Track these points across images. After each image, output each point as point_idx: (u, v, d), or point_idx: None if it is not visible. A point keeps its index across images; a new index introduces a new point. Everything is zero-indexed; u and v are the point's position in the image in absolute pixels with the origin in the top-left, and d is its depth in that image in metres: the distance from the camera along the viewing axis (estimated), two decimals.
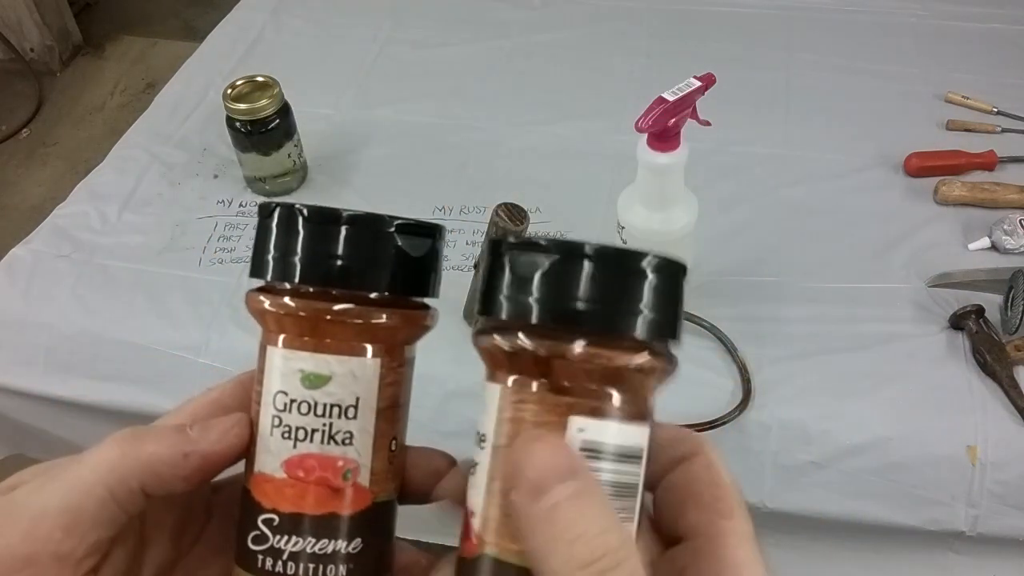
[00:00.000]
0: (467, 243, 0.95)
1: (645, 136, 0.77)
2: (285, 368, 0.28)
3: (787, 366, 0.83)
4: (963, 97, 1.12)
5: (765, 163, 1.05)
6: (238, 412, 0.29)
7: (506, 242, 0.25)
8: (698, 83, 0.76)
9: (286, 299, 0.28)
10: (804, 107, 1.13)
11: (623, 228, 0.83)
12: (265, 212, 0.29)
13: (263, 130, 0.98)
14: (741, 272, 0.92)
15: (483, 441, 0.25)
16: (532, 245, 0.25)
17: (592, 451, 0.24)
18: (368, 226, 0.28)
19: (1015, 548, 0.81)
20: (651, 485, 0.27)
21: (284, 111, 0.99)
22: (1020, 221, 0.93)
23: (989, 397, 0.80)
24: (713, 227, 0.92)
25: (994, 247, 0.93)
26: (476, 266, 0.84)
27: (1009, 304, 0.84)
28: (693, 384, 0.80)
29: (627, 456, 0.25)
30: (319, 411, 0.27)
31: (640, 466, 0.25)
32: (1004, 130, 1.08)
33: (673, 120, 0.75)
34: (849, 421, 0.80)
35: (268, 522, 0.27)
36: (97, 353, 0.89)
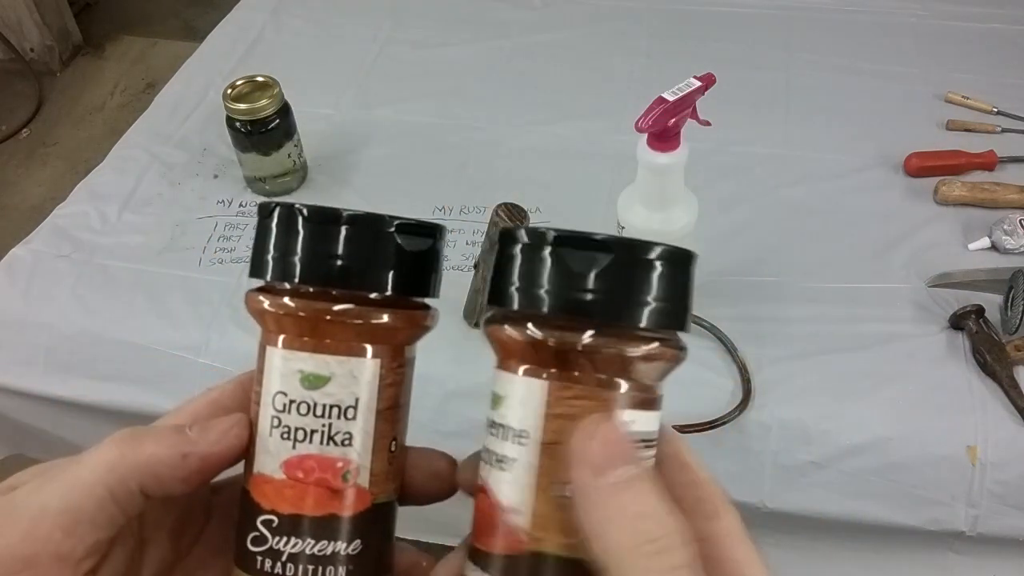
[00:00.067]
0: (467, 243, 0.95)
1: (645, 136, 0.77)
2: (284, 368, 0.28)
3: (787, 366, 0.83)
4: (963, 97, 1.12)
5: (765, 163, 1.05)
6: (237, 413, 0.29)
7: (557, 234, 0.25)
8: (698, 83, 0.76)
9: (286, 299, 0.28)
10: (804, 107, 1.13)
11: (623, 228, 0.83)
12: (265, 212, 0.28)
13: (263, 130, 0.98)
14: (741, 272, 0.92)
15: (522, 437, 0.25)
16: (581, 240, 0.25)
17: (642, 442, 0.26)
18: (368, 226, 0.27)
19: (1015, 548, 0.81)
20: None
21: (284, 111, 0.99)
22: (1020, 221, 0.93)
23: (989, 397, 0.80)
24: (713, 227, 0.92)
25: (994, 247, 0.93)
26: (476, 266, 0.84)
27: (1009, 304, 0.84)
28: (693, 384, 0.80)
29: (647, 443, 0.26)
30: (318, 412, 0.27)
31: (653, 452, 0.26)
32: (1004, 130, 1.08)
33: (673, 120, 0.75)
34: (849, 421, 0.80)
35: (267, 523, 0.27)
36: (97, 353, 0.89)
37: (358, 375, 0.28)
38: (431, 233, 0.29)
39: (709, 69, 0.77)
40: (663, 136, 0.76)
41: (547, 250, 0.25)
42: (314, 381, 0.27)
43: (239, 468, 0.29)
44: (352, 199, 1.03)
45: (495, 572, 0.25)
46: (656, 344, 0.25)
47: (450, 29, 1.30)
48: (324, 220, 0.27)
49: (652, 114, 0.74)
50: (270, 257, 0.28)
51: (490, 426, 0.26)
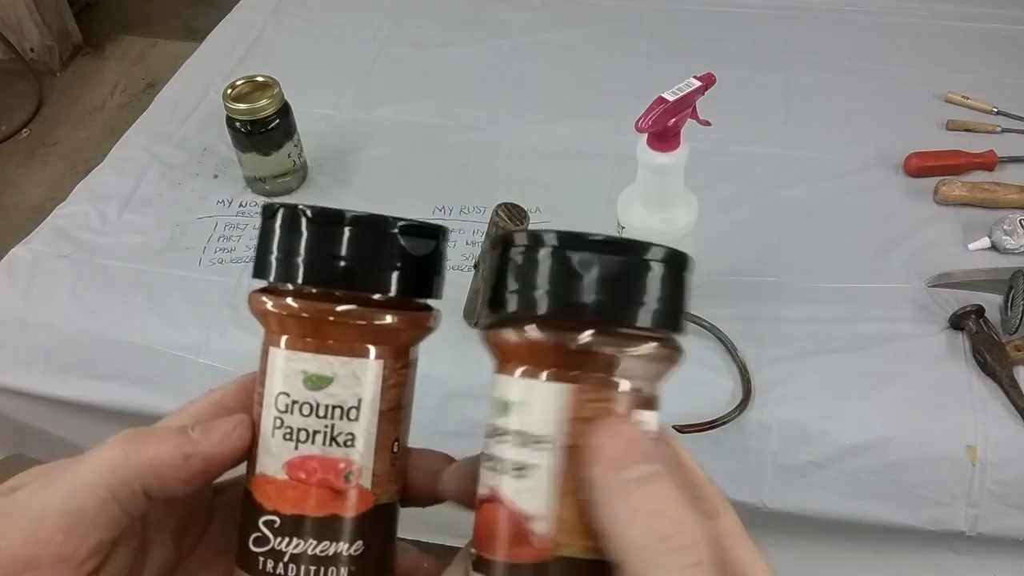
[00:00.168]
0: (467, 243, 0.95)
1: (645, 136, 0.77)
2: (287, 369, 0.28)
3: (787, 366, 0.83)
4: (963, 97, 1.12)
5: (765, 163, 1.05)
6: (240, 413, 0.29)
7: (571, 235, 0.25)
8: (698, 83, 0.76)
9: (289, 300, 0.28)
10: (804, 107, 1.13)
11: (623, 228, 0.83)
12: (268, 213, 0.28)
13: (263, 130, 0.98)
14: (741, 272, 0.92)
15: (542, 443, 0.25)
16: (588, 242, 0.25)
17: None
18: (372, 227, 0.27)
19: (1015, 548, 0.81)
20: None
21: (284, 111, 0.99)
22: (1020, 221, 0.93)
23: (989, 397, 0.80)
24: (713, 227, 0.92)
25: (994, 247, 0.93)
26: (476, 266, 0.84)
27: (1009, 304, 0.84)
28: (693, 384, 0.80)
29: None
30: (321, 412, 0.27)
31: None
32: (1004, 130, 1.08)
33: (673, 120, 0.75)
34: (849, 421, 0.80)
35: (269, 524, 0.27)
36: (97, 353, 0.89)
37: (361, 376, 0.28)
38: (434, 234, 0.29)
39: (709, 69, 0.77)
40: (663, 136, 0.76)
41: (558, 252, 0.25)
42: (317, 382, 0.27)
43: (241, 469, 0.29)
44: (352, 199, 1.03)
45: None
46: (655, 344, 0.25)
47: (450, 29, 1.30)
48: (328, 221, 0.27)
49: (652, 114, 0.74)
50: (273, 258, 0.28)
51: (499, 433, 0.26)
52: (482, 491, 0.26)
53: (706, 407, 0.79)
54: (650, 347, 0.25)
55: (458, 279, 0.87)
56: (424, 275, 0.29)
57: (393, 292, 0.28)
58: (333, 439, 0.27)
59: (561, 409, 0.25)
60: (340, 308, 0.27)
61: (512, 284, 0.26)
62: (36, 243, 0.99)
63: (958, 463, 0.78)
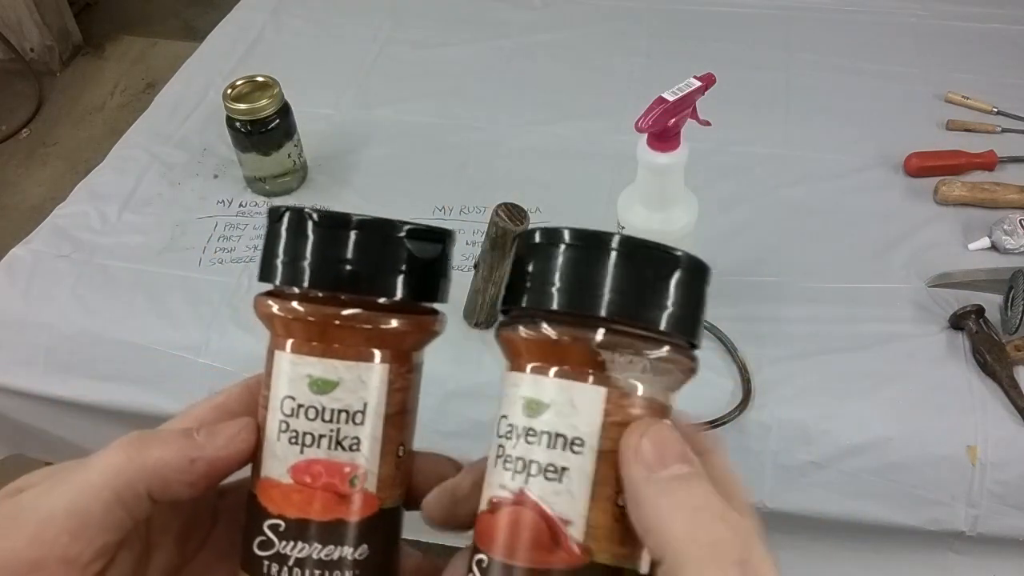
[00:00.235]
0: (467, 243, 0.95)
1: (645, 136, 0.77)
2: (293, 373, 0.27)
3: (787, 366, 0.83)
4: (963, 97, 1.12)
5: (765, 163, 1.05)
6: (245, 417, 0.28)
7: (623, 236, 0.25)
8: (698, 83, 0.76)
9: (295, 304, 0.27)
10: (804, 107, 1.13)
11: (623, 228, 0.83)
12: (275, 216, 0.28)
13: (263, 130, 0.98)
14: (741, 272, 0.92)
15: (576, 445, 0.24)
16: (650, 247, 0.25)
17: None
18: (378, 231, 0.27)
19: (1015, 548, 0.81)
20: None
21: (284, 111, 0.99)
22: (1020, 221, 0.93)
23: (989, 397, 0.80)
24: (713, 227, 0.92)
25: (994, 247, 0.93)
26: (476, 266, 0.84)
27: (1009, 304, 0.84)
28: (693, 384, 0.80)
29: None
30: (326, 416, 0.27)
31: None
32: (1004, 130, 1.08)
33: (673, 120, 0.75)
34: (849, 421, 0.80)
35: (274, 528, 0.27)
36: (97, 353, 0.89)
37: (366, 380, 0.27)
38: (441, 238, 0.29)
39: (709, 69, 0.77)
40: (663, 136, 0.76)
41: (603, 250, 0.25)
42: (322, 386, 0.27)
43: (245, 471, 0.29)
44: (352, 199, 1.03)
45: None
46: (668, 349, 0.25)
47: (450, 29, 1.30)
48: (334, 225, 0.27)
49: (652, 114, 0.74)
50: (279, 261, 0.28)
51: (527, 433, 0.25)
52: (499, 493, 0.25)
53: (706, 407, 0.79)
54: (666, 351, 0.25)
55: (458, 279, 0.86)
56: (430, 279, 0.29)
57: (399, 296, 0.28)
58: (338, 443, 0.27)
59: (602, 412, 0.25)
60: (346, 312, 0.27)
61: (559, 281, 0.25)
62: (36, 243, 0.99)
63: (958, 463, 0.78)
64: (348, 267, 0.27)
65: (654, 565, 0.23)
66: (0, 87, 2.26)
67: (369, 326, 0.27)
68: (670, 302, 0.25)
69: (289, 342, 0.28)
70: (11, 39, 2.23)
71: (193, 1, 2.48)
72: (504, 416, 0.26)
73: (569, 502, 0.24)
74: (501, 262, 0.80)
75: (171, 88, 1.22)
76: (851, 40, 1.24)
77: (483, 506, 0.26)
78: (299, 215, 0.28)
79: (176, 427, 0.28)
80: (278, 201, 1.03)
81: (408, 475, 0.30)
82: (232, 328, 0.88)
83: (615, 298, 0.24)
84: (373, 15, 1.33)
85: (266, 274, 0.28)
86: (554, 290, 0.25)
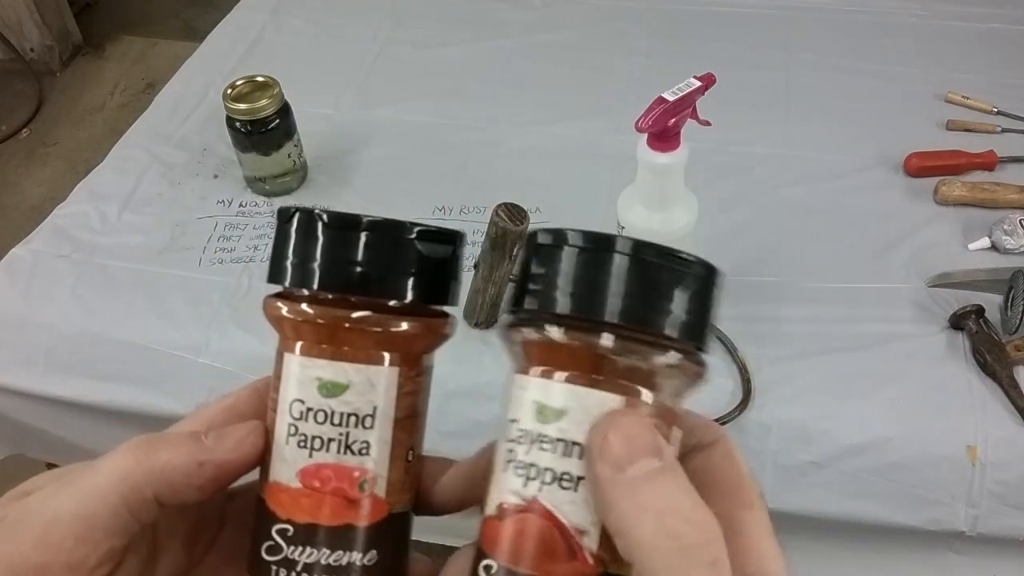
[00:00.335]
0: (467, 243, 0.95)
1: (645, 136, 0.77)
2: (302, 376, 0.27)
3: (787, 366, 0.83)
4: (963, 97, 1.12)
5: (765, 163, 1.05)
6: (253, 420, 0.28)
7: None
8: (698, 83, 0.76)
9: (304, 306, 0.27)
10: (804, 107, 1.13)
11: (623, 228, 0.83)
12: (284, 217, 0.28)
13: (263, 130, 0.98)
14: (741, 272, 0.92)
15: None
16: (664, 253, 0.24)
17: None
18: (388, 233, 0.27)
19: (1015, 548, 0.81)
20: None
21: (284, 111, 0.99)
22: (1020, 221, 0.93)
23: (989, 397, 0.80)
24: (713, 227, 0.92)
25: (994, 247, 0.93)
26: (476, 266, 0.84)
27: (1009, 304, 0.84)
28: None
29: None
30: (336, 420, 0.27)
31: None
32: (1004, 130, 1.08)
33: (673, 120, 0.75)
34: (849, 421, 0.80)
35: (282, 532, 0.27)
36: (97, 353, 0.89)
37: (376, 383, 0.27)
38: (451, 240, 0.28)
39: (709, 69, 0.77)
40: (663, 136, 0.76)
41: (614, 254, 0.24)
42: (332, 389, 0.27)
43: (253, 474, 0.29)
44: (352, 199, 1.03)
45: None
46: (678, 355, 0.25)
47: (450, 29, 1.30)
48: (344, 226, 0.27)
49: (652, 114, 0.74)
50: (288, 263, 0.27)
51: (538, 440, 0.24)
52: (510, 499, 0.25)
53: (706, 407, 0.79)
54: (675, 357, 0.25)
55: None
56: (440, 281, 0.28)
57: (409, 298, 0.27)
58: (348, 447, 0.27)
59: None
60: (356, 315, 0.27)
61: (569, 284, 0.25)
62: (36, 243, 0.99)
63: (958, 463, 0.78)
64: (358, 269, 0.27)
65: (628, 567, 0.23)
66: (0, 87, 2.26)
67: (379, 329, 0.27)
68: (681, 308, 0.24)
69: (298, 344, 0.27)
70: (11, 39, 2.23)
71: (193, 1, 2.48)
72: (514, 420, 0.25)
73: (584, 512, 0.24)
74: (501, 262, 0.80)
75: (171, 88, 1.22)
76: (851, 40, 1.24)
77: (490, 510, 0.25)
78: (309, 216, 0.27)
79: (184, 430, 0.28)
80: (278, 201, 1.03)
81: (417, 479, 0.29)
82: (232, 328, 0.88)
83: (626, 303, 0.24)
84: (373, 15, 1.33)
85: (275, 275, 0.28)
86: (564, 294, 0.25)
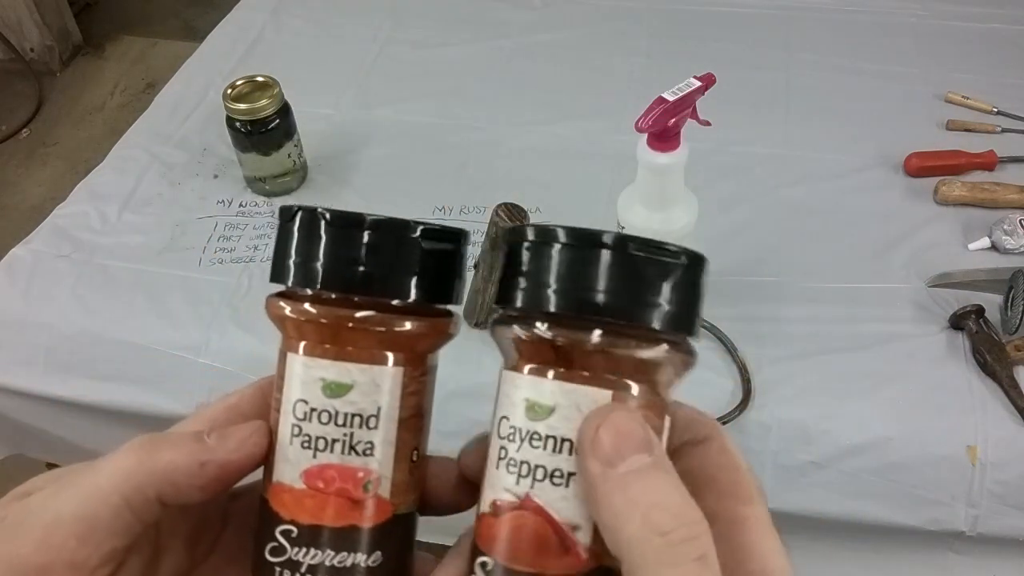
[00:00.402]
0: (467, 247, 0.95)
1: (645, 136, 0.77)
2: (306, 376, 0.27)
3: (787, 366, 0.83)
4: (963, 97, 1.12)
5: (765, 163, 1.05)
6: (257, 420, 0.28)
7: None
8: (698, 83, 0.76)
9: (307, 305, 0.27)
10: (804, 107, 1.13)
11: (623, 228, 0.83)
12: (287, 216, 0.28)
13: (263, 130, 0.98)
14: (741, 272, 0.92)
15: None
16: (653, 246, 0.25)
17: None
18: (392, 231, 0.27)
19: (1015, 548, 0.81)
20: None
21: (284, 111, 0.99)
22: (1020, 221, 0.93)
23: (989, 397, 0.80)
24: (713, 227, 0.92)
25: (994, 247, 0.93)
26: (476, 266, 0.84)
27: (1009, 304, 0.84)
28: (693, 384, 0.79)
29: None
30: (340, 420, 0.27)
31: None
32: (1004, 130, 1.08)
33: (673, 120, 0.75)
34: (849, 421, 0.80)
35: (286, 533, 0.27)
36: (97, 353, 0.89)
37: (380, 383, 0.27)
38: (455, 239, 0.28)
39: (709, 69, 0.77)
40: (663, 136, 0.76)
41: (597, 248, 0.24)
42: (336, 389, 0.27)
43: (257, 474, 0.28)
44: (352, 199, 1.03)
45: None
46: (667, 346, 0.25)
47: (450, 29, 1.30)
48: (347, 225, 0.27)
49: (652, 114, 0.74)
50: (291, 262, 0.27)
51: (530, 437, 0.25)
52: (503, 496, 0.25)
53: (706, 407, 0.79)
54: (663, 349, 0.25)
55: None
56: (444, 280, 0.28)
57: (413, 298, 0.27)
58: (352, 448, 0.27)
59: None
60: (359, 314, 0.27)
61: (554, 281, 0.25)
62: (36, 243, 0.99)
63: (958, 463, 0.78)
64: (362, 268, 0.26)
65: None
66: (0, 87, 2.26)
67: (383, 328, 0.27)
68: (668, 299, 0.25)
69: (301, 344, 0.27)
70: (11, 39, 2.23)
71: (193, 1, 2.48)
72: (505, 417, 0.25)
73: (577, 507, 0.24)
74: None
75: (171, 88, 1.22)
76: (851, 40, 1.24)
77: (484, 507, 0.26)
78: (311, 215, 0.27)
79: (187, 430, 0.28)
80: (278, 201, 1.03)
81: (422, 480, 0.29)
82: (232, 328, 0.88)
83: (613, 297, 0.24)
84: (373, 15, 1.33)
85: (278, 275, 0.28)
86: (551, 291, 0.25)
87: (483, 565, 0.25)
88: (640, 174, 0.80)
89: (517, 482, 0.25)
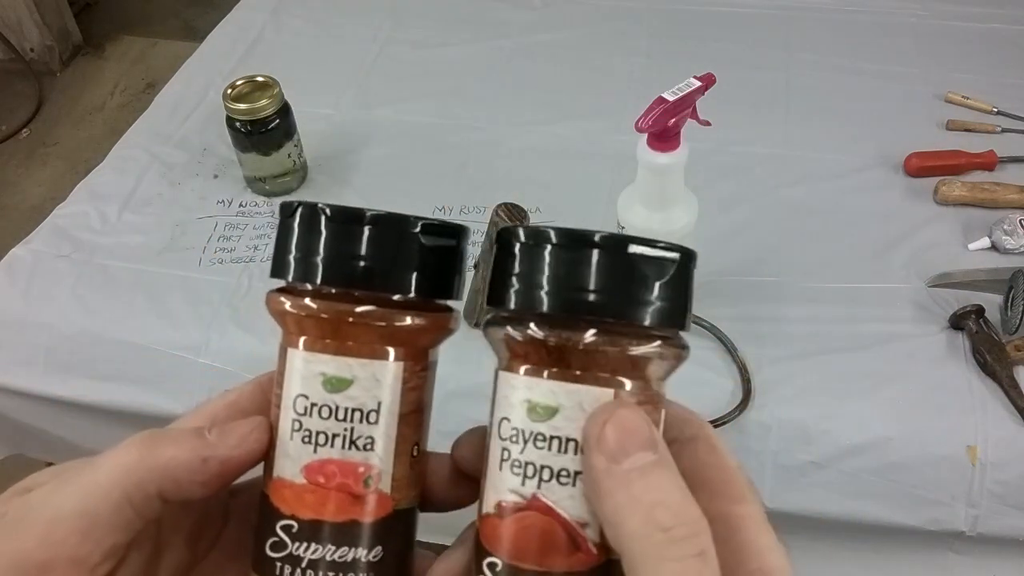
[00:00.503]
0: (467, 243, 0.95)
1: (645, 136, 0.77)
2: (306, 371, 0.27)
3: (787, 366, 0.83)
4: (963, 97, 1.12)
5: (765, 163, 1.05)
6: (257, 416, 0.28)
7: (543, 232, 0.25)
8: (698, 83, 0.76)
9: (307, 300, 0.27)
10: (804, 107, 1.13)
11: (623, 228, 0.83)
12: (287, 211, 0.28)
13: (263, 130, 0.98)
14: (741, 272, 0.92)
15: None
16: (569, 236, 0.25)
17: None
18: (392, 226, 0.27)
19: (1015, 548, 0.81)
20: None
21: (284, 111, 0.99)
22: (1020, 221, 0.93)
23: (989, 397, 0.80)
24: (713, 227, 0.92)
25: (994, 247, 0.93)
26: (476, 266, 0.84)
27: (1009, 304, 0.84)
28: (693, 384, 0.80)
29: None
30: (340, 415, 0.27)
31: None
32: (1004, 130, 1.08)
33: (673, 120, 0.75)
34: (849, 421, 0.80)
35: (287, 528, 0.27)
36: (97, 353, 0.89)
37: (381, 378, 0.27)
38: (455, 234, 0.28)
39: (709, 69, 0.77)
40: (663, 136, 0.76)
41: (587, 248, 0.25)
42: (336, 384, 0.27)
43: (257, 470, 0.28)
44: (352, 199, 1.03)
45: None
46: (661, 341, 0.25)
47: (450, 29, 1.30)
48: (347, 220, 0.27)
49: (652, 114, 0.74)
50: (291, 257, 0.27)
51: (534, 438, 0.25)
52: (508, 497, 0.25)
53: (706, 407, 0.79)
54: (655, 346, 0.25)
55: None
56: (445, 275, 0.28)
57: (413, 293, 0.27)
58: (352, 443, 0.27)
59: None
60: (360, 309, 0.27)
61: (545, 282, 0.25)
62: (36, 243, 0.99)
63: (958, 463, 0.78)
64: (362, 263, 0.26)
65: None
66: (0, 87, 2.27)
67: (383, 323, 0.27)
68: (660, 295, 0.25)
69: (302, 339, 0.27)
70: (11, 39, 2.23)
71: (193, 1, 2.48)
72: (505, 418, 0.25)
73: (584, 504, 0.24)
74: None
75: (171, 88, 1.22)
76: (851, 40, 1.24)
77: (488, 508, 0.26)
78: (312, 210, 0.27)
79: (188, 425, 0.28)
80: (278, 201, 1.03)
81: (422, 475, 0.29)
82: (232, 328, 0.88)
83: (606, 296, 0.24)
84: (373, 15, 1.33)
85: (278, 270, 0.28)
86: (541, 292, 0.25)
87: (491, 566, 0.25)
88: (640, 174, 0.80)
89: (523, 483, 0.25)
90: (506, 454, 0.25)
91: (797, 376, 0.83)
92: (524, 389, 0.25)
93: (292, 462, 0.27)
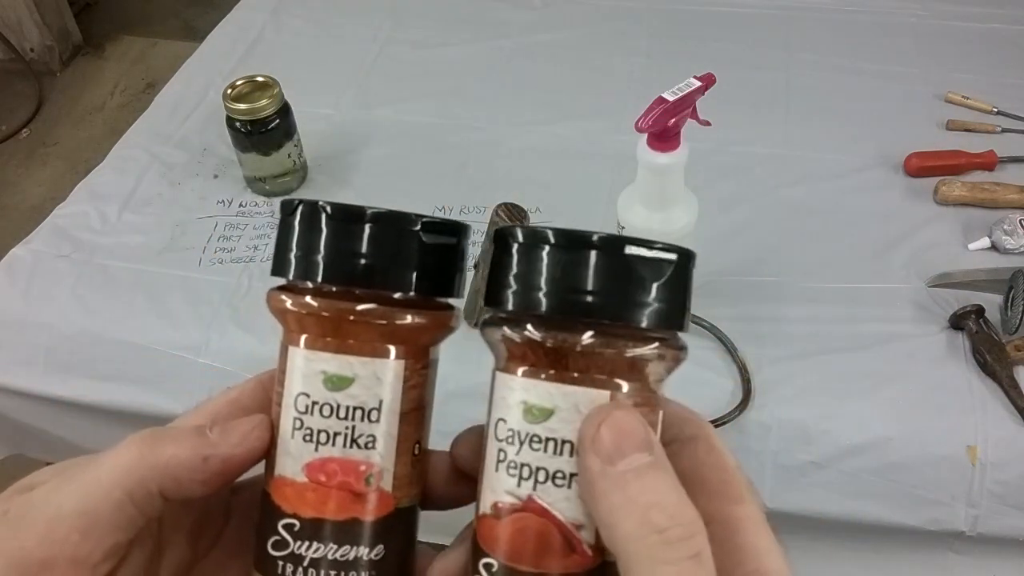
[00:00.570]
0: (468, 241, 0.95)
1: (645, 136, 0.77)
2: (307, 369, 0.27)
3: (787, 366, 0.83)
4: (963, 97, 1.12)
5: (765, 163, 1.05)
6: (258, 414, 0.28)
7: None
8: (698, 83, 0.76)
9: (308, 298, 0.27)
10: (804, 107, 1.13)
11: (623, 228, 0.83)
12: (287, 209, 0.28)
13: (263, 130, 0.98)
14: (741, 272, 0.92)
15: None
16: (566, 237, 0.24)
17: None
18: (393, 224, 0.27)
19: (1015, 548, 0.81)
20: None
21: (284, 111, 0.99)
22: (1020, 221, 0.93)
23: (989, 397, 0.80)
24: (713, 227, 0.92)
25: (994, 247, 0.93)
26: (476, 266, 0.84)
27: (1009, 304, 0.84)
28: (693, 384, 0.80)
29: None
30: (341, 414, 0.27)
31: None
32: (1004, 130, 1.08)
33: (673, 120, 0.75)
34: (849, 421, 0.80)
35: (289, 527, 0.27)
36: (97, 353, 0.89)
37: (382, 376, 0.27)
38: (456, 232, 0.28)
39: (709, 69, 0.77)
40: (663, 136, 0.76)
41: (585, 249, 0.24)
42: (337, 382, 0.27)
43: (259, 468, 0.28)
44: (352, 199, 1.02)
45: None
46: (659, 343, 0.25)
47: (450, 29, 1.30)
48: (348, 218, 0.27)
49: (652, 114, 0.74)
50: (292, 255, 0.27)
51: (530, 440, 0.25)
52: (505, 498, 0.25)
53: (706, 407, 0.79)
54: (653, 347, 0.25)
55: None
56: (445, 274, 0.28)
57: (414, 291, 0.27)
58: (354, 441, 0.27)
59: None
60: (361, 307, 0.27)
61: (543, 283, 0.25)
62: (36, 243, 0.99)
63: (958, 463, 0.78)
64: (363, 261, 0.26)
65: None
66: (0, 87, 2.26)
67: (384, 321, 0.27)
68: (658, 296, 0.25)
69: (303, 338, 0.27)
70: (11, 39, 2.23)
71: (193, 1, 2.48)
72: (502, 419, 0.25)
73: (580, 506, 0.24)
74: None
75: (171, 88, 1.22)
76: (851, 40, 1.24)
77: (485, 508, 0.26)
78: (312, 208, 0.27)
79: (189, 424, 0.28)
80: (278, 201, 1.03)
81: (424, 474, 0.29)
82: (232, 328, 0.88)
83: (604, 297, 0.24)
84: (373, 15, 1.33)
85: (279, 268, 0.28)
86: (539, 293, 0.25)
87: (488, 567, 0.25)
88: (640, 174, 0.80)
89: (519, 484, 0.25)
90: (502, 455, 0.25)
91: (797, 376, 0.83)
92: (521, 390, 0.25)
93: (293, 460, 0.27)
